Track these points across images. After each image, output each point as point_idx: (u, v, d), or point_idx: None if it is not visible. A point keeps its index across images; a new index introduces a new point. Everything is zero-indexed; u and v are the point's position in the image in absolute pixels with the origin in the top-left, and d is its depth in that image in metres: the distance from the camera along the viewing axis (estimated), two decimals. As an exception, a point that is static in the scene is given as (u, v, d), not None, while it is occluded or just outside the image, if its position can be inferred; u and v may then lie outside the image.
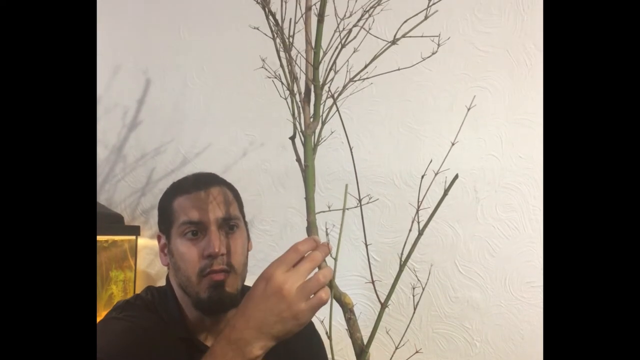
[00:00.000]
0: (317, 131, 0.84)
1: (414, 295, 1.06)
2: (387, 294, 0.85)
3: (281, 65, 0.86)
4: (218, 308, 1.03)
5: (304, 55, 0.84)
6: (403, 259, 0.84)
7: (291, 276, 0.77)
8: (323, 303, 0.78)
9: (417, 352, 0.94)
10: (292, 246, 0.79)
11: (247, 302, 0.79)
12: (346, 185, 0.86)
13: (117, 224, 1.56)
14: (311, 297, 0.78)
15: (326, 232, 0.88)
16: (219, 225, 1.03)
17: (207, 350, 1.02)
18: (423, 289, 0.92)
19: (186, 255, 1.01)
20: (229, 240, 1.03)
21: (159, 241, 1.10)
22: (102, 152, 1.68)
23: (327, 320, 0.85)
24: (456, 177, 0.83)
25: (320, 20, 0.80)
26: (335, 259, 0.85)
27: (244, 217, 1.11)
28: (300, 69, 0.85)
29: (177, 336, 1.02)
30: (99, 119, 1.67)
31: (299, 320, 0.78)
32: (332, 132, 0.89)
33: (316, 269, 0.81)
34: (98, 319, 1.01)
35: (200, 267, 1.00)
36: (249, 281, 1.18)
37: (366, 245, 0.88)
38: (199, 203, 1.03)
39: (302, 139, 0.84)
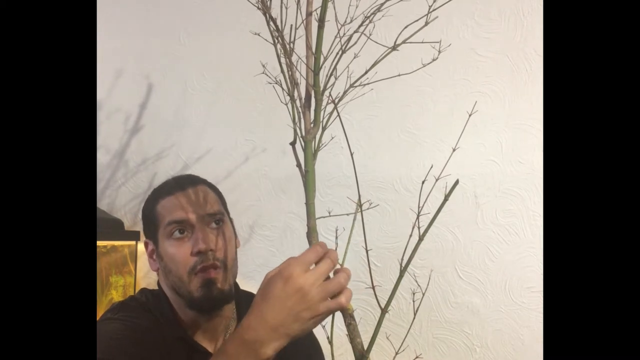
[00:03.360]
0: (317, 137, 0.85)
1: (414, 301, 1.06)
2: (387, 299, 0.84)
3: (282, 71, 0.86)
4: (212, 306, 1.02)
5: (305, 60, 0.84)
6: (403, 265, 0.84)
7: (311, 276, 0.77)
8: (341, 307, 0.79)
9: (417, 357, 0.94)
10: (312, 247, 0.80)
11: (263, 302, 0.78)
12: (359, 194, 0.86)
13: (117, 229, 1.56)
14: (329, 299, 0.78)
15: (336, 234, 0.88)
16: (205, 222, 1.03)
17: (204, 350, 1.03)
18: (423, 295, 0.92)
19: (176, 255, 1.01)
20: (216, 236, 1.03)
21: (146, 248, 1.10)
22: (104, 157, 1.68)
23: (329, 326, 0.85)
24: (456, 182, 0.83)
25: (321, 26, 0.80)
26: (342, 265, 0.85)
27: (228, 213, 1.11)
28: (301, 75, 0.85)
29: (173, 336, 1.02)
30: (101, 123, 1.67)
31: (315, 320, 0.78)
32: (333, 138, 0.89)
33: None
34: (98, 324, 1.01)
35: (191, 265, 1.00)
36: (249, 286, 1.18)
37: (366, 251, 0.88)
38: (183, 202, 1.03)
39: (303, 145, 0.84)
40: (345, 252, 0.85)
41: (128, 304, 1.05)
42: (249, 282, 1.18)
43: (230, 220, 1.11)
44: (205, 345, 1.05)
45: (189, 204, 1.03)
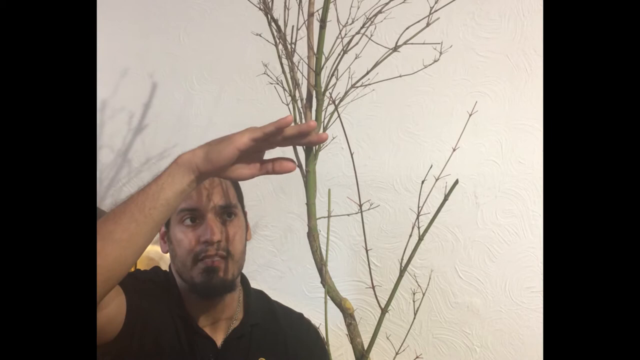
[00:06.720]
0: (318, 137, 0.85)
1: (414, 301, 1.06)
2: (387, 299, 0.85)
3: (283, 72, 0.86)
4: (212, 292, 1.04)
5: (306, 61, 0.84)
6: (403, 264, 0.84)
7: (246, 131, 0.80)
8: (243, 142, 0.79)
9: (417, 357, 0.95)
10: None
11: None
12: (329, 190, 0.87)
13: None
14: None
15: (327, 237, 0.88)
16: (216, 213, 1.04)
17: (205, 334, 1.05)
18: (423, 295, 0.92)
19: (183, 241, 1.03)
20: (226, 228, 1.05)
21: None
22: (108, 156, 1.68)
23: (332, 327, 0.85)
24: (456, 182, 0.84)
25: (323, 26, 0.80)
26: (325, 264, 0.85)
27: (242, 206, 1.12)
28: (303, 75, 0.85)
29: (176, 313, 1.05)
30: (104, 123, 1.67)
31: (231, 140, 0.79)
32: (334, 138, 0.89)
33: None
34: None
35: (196, 252, 1.02)
36: (251, 286, 1.19)
37: (366, 251, 0.88)
38: (198, 191, 1.04)
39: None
40: (327, 251, 0.85)
41: (145, 270, 1.11)
42: (250, 282, 1.18)
43: (244, 213, 1.12)
44: (207, 331, 1.06)
45: (204, 193, 1.04)
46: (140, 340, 0.99)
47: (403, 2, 0.83)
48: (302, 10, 0.85)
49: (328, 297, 0.86)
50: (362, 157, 1.54)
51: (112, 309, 0.93)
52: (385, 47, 0.86)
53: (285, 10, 0.85)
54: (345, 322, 0.85)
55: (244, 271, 1.13)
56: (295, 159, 0.86)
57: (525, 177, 1.46)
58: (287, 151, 0.87)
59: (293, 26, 0.84)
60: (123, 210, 0.79)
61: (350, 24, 0.85)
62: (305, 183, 0.85)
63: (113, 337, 0.95)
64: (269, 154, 0.86)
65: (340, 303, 0.85)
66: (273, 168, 0.85)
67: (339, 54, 0.84)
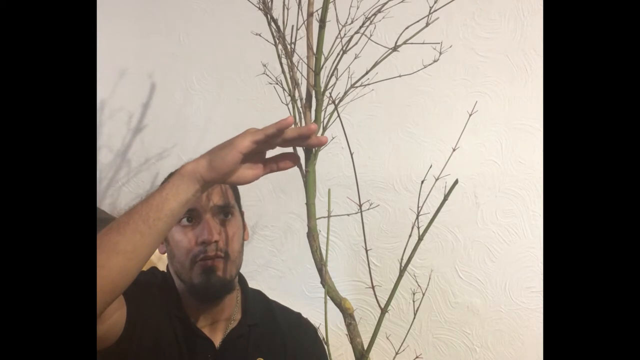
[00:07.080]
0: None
1: (414, 301, 1.06)
2: (387, 299, 0.85)
3: (282, 72, 0.86)
4: (211, 293, 1.04)
5: (306, 61, 0.84)
6: (403, 264, 0.84)
7: (247, 134, 0.81)
8: (244, 143, 0.80)
9: (417, 357, 0.94)
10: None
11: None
12: (329, 190, 0.87)
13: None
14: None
15: (327, 237, 0.88)
16: (213, 213, 1.05)
17: (204, 336, 1.05)
18: (423, 295, 0.92)
19: (181, 242, 1.04)
20: (224, 228, 1.05)
21: None
22: (107, 157, 1.68)
23: (331, 326, 0.85)
24: (456, 182, 0.83)
25: (322, 26, 0.80)
26: (325, 264, 0.85)
27: (239, 206, 1.13)
28: (302, 75, 0.85)
29: (175, 315, 1.05)
30: (103, 123, 1.67)
31: (233, 145, 0.80)
32: (333, 138, 0.89)
33: None
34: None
35: (194, 253, 1.03)
36: (250, 286, 1.19)
37: (366, 251, 0.88)
38: None
39: (303, 145, 0.85)
40: (327, 251, 0.85)
41: (142, 271, 1.09)
42: (250, 282, 1.18)
43: (241, 213, 1.13)
44: (205, 332, 1.06)
45: None
46: (140, 342, 0.99)
47: (402, 2, 0.82)
48: (301, 10, 0.85)
49: (328, 297, 0.85)
50: (362, 157, 1.54)
51: (114, 319, 0.94)
52: (385, 47, 0.86)
53: (284, 10, 0.85)
54: (345, 322, 0.84)
55: (243, 271, 1.13)
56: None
57: (525, 177, 1.46)
58: (286, 148, 0.87)
59: (292, 26, 0.84)
60: (127, 222, 0.78)
61: (350, 24, 0.85)
62: (305, 183, 0.85)
63: (113, 343, 0.95)
64: (269, 152, 0.87)
65: (340, 303, 0.85)
66: (278, 166, 0.85)
67: (339, 54, 0.84)
